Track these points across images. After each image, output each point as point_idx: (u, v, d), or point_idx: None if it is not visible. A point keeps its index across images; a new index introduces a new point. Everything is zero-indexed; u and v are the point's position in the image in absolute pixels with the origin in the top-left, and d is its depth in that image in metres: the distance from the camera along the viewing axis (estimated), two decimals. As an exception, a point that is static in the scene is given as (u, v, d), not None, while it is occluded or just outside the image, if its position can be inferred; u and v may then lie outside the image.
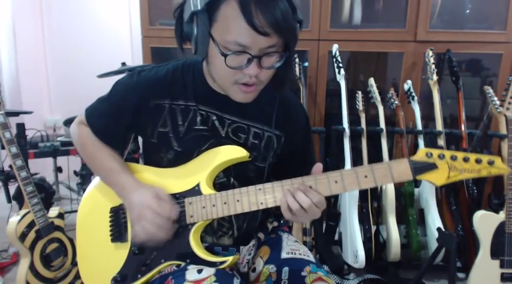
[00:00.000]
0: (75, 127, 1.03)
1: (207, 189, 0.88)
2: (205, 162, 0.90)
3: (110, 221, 0.96)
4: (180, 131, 0.92)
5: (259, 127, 0.95)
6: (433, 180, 0.77)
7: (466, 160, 0.75)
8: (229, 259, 0.86)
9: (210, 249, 0.93)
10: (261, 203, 0.84)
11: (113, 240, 0.95)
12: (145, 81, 0.94)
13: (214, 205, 0.86)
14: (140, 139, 1.05)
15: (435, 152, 0.77)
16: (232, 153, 0.89)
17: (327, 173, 0.81)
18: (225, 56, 0.77)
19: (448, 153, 0.76)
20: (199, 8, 0.76)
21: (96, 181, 1.04)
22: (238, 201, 0.85)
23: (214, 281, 0.80)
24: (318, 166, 0.82)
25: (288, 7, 0.77)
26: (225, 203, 0.86)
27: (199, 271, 0.83)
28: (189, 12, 0.78)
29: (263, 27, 0.74)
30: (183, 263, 0.88)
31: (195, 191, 0.89)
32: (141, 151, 2.02)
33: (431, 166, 0.77)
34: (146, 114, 0.93)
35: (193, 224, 0.88)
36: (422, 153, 0.77)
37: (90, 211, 1.01)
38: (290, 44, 0.81)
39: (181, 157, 0.93)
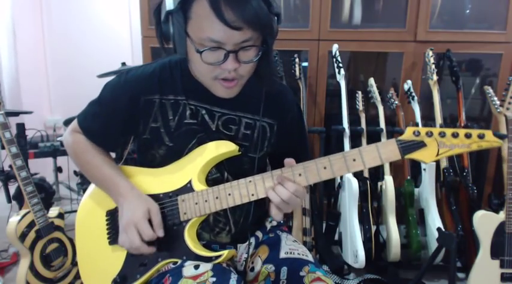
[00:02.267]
0: (68, 136, 1.02)
1: (199, 185, 0.89)
2: (195, 159, 0.91)
3: (107, 224, 0.96)
4: (171, 126, 0.93)
5: (251, 117, 0.96)
6: (423, 158, 0.75)
7: (455, 135, 0.73)
8: (225, 252, 0.86)
9: (207, 247, 0.93)
10: (252, 195, 0.84)
11: (110, 242, 0.95)
12: (134, 79, 0.94)
13: (206, 201, 0.87)
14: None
15: (423, 130, 0.75)
16: (220, 147, 0.89)
17: (315, 160, 0.81)
18: (200, 52, 0.78)
19: (436, 130, 0.74)
20: (173, 7, 0.77)
21: (93, 185, 1.04)
22: (229, 194, 0.86)
23: (212, 276, 0.81)
24: (290, 160, 0.82)
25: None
26: (216, 197, 0.86)
27: (196, 267, 0.84)
28: (164, 12, 0.80)
29: (234, 21, 0.74)
30: (179, 261, 0.88)
31: (187, 188, 0.89)
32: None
33: (420, 145, 0.75)
34: (138, 110, 0.93)
35: (187, 221, 0.89)
36: (409, 131, 0.76)
37: (88, 215, 1.02)
38: (267, 37, 0.82)
39: (172, 152, 0.94)
